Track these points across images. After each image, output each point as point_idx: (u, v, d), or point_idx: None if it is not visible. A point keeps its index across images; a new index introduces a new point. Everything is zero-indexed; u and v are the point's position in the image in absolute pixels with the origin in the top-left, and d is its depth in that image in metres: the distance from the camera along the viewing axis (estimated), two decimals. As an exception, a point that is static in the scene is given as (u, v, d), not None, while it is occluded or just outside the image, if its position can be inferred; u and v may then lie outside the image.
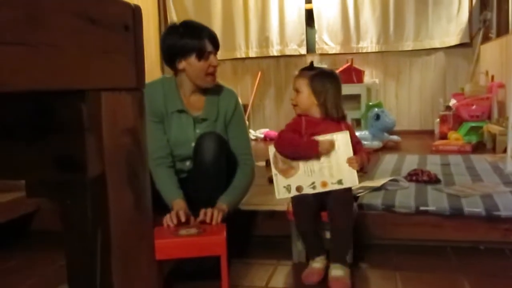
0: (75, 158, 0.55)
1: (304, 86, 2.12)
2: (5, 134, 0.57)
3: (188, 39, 2.12)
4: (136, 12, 0.66)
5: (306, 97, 2.12)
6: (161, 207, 2.04)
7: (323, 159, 2.07)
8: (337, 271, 1.95)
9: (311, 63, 2.28)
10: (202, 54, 2.13)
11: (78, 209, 0.58)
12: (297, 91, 2.15)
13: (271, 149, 2.15)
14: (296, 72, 2.26)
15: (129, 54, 0.65)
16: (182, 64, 2.15)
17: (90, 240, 0.58)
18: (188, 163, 2.24)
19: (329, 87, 2.09)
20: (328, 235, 2.09)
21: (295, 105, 2.17)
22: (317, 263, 2.01)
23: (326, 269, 1.99)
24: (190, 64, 2.14)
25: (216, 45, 2.18)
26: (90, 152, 0.56)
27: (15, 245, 2.58)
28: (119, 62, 0.63)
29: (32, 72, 0.48)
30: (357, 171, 2.08)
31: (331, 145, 2.05)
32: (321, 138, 2.07)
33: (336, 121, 2.12)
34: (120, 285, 0.61)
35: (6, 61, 0.45)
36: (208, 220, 1.96)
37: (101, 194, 0.58)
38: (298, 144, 2.08)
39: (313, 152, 2.05)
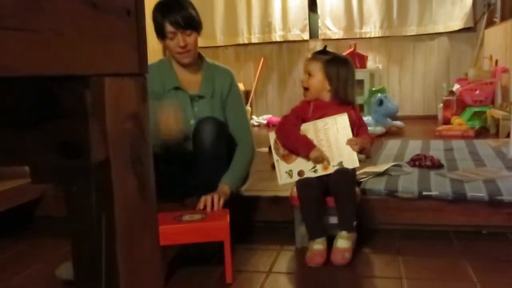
0: (78, 144, 0.55)
1: (317, 70, 2.13)
2: (8, 120, 0.57)
3: (155, 21, 2.17)
4: (138, -4, 0.66)
5: (319, 81, 2.14)
6: (167, 194, 2.05)
7: (323, 142, 2.09)
8: (342, 242, 2.01)
9: (325, 47, 2.27)
10: (163, 35, 2.16)
11: (83, 194, 0.58)
12: (309, 74, 2.16)
13: (272, 136, 2.18)
14: (309, 55, 2.27)
15: (132, 39, 0.64)
16: (162, 42, 2.21)
17: (95, 226, 0.59)
18: (190, 144, 2.25)
19: (342, 73, 2.12)
20: (331, 220, 2.11)
21: (306, 88, 2.18)
22: (319, 245, 2.03)
23: (328, 250, 2.02)
24: (164, 42, 2.19)
25: (181, 26, 2.13)
26: (94, 137, 0.56)
27: (20, 232, 2.59)
28: (121, 47, 0.62)
29: (35, 57, 0.48)
30: (359, 153, 2.11)
31: (321, 158, 2.08)
32: (320, 121, 2.09)
33: (345, 105, 2.14)
34: (124, 270, 0.61)
35: (9, 46, 0.45)
36: (209, 207, 1.98)
37: (105, 179, 0.58)
38: (296, 140, 2.10)
39: (303, 154, 2.10)
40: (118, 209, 0.59)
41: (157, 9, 2.18)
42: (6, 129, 0.57)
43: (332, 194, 2.07)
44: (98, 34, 0.58)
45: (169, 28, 2.13)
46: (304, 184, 2.08)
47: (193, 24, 2.18)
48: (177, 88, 2.23)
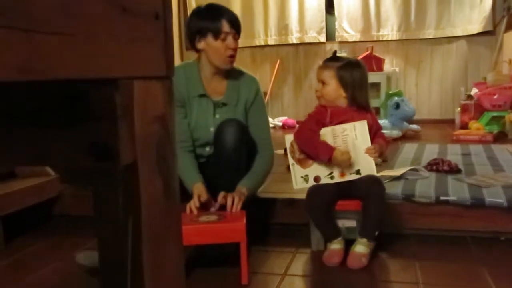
0: (108, 146, 0.56)
1: (331, 78, 2.10)
2: (39, 121, 0.58)
3: (207, 20, 2.15)
4: (165, 0, 0.67)
5: (334, 89, 2.10)
6: (181, 193, 2.06)
7: (340, 148, 2.07)
8: (360, 247, 2.00)
9: (335, 52, 2.27)
10: (218, 34, 2.13)
11: (110, 196, 0.59)
12: (323, 82, 2.13)
13: (288, 139, 2.16)
14: (320, 63, 2.24)
15: (159, 42, 0.65)
16: (201, 44, 2.18)
17: (122, 227, 0.59)
18: (208, 148, 2.26)
19: (357, 78, 2.08)
20: (341, 223, 2.10)
21: (319, 97, 2.16)
22: (336, 245, 2.04)
23: (345, 250, 2.03)
24: (208, 43, 2.16)
25: (235, 27, 2.17)
26: (123, 139, 0.56)
27: (38, 230, 2.62)
28: (149, 51, 0.63)
29: (67, 60, 0.48)
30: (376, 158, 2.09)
31: (347, 158, 2.04)
32: (338, 127, 2.07)
33: (362, 110, 2.12)
34: (150, 270, 0.62)
35: (44, 50, 0.45)
36: (229, 206, 1.98)
37: (132, 181, 0.59)
38: (315, 146, 2.07)
39: (325, 158, 2.05)
40: (145, 210, 0.60)
41: (207, 12, 2.18)
42: (36, 130, 0.58)
43: (360, 200, 2.05)
44: (128, 37, 0.59)
45: (226, 27, 2.12)
46: (311, 192, 2.08)
47: (240, 29, 2.21)
48: (201, 96, 2.23)
